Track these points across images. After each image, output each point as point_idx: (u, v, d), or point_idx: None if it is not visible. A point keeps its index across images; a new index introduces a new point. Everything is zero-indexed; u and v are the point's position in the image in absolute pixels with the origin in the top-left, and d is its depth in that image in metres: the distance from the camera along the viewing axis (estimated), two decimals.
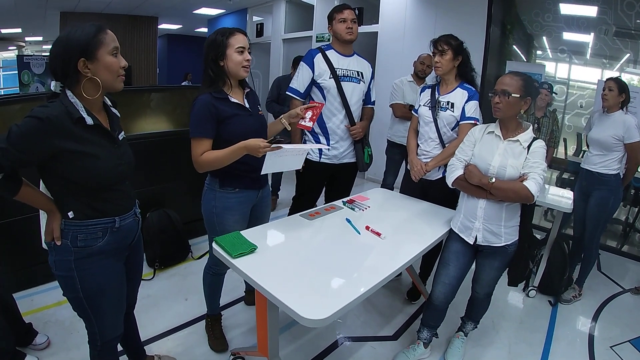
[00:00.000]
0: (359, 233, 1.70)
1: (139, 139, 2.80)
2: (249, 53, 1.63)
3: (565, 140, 4.21)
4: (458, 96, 2.11)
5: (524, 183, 1.53)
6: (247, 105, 1.69)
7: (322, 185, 2.53)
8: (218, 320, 2.06)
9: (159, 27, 9.52)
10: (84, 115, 1.12)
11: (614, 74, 3.82)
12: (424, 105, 2.21)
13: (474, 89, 2.13)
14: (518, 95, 1.56)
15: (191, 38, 11.54)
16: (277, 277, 1.30)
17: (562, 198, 2.66)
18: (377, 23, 5.11)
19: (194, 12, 8.27)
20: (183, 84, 9.05)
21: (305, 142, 2.33)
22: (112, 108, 1.30)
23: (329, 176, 2.48)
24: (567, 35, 4.04)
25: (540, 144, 1.60)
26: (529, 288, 2.66)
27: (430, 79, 3.07)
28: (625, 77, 3.66)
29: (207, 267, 1.92)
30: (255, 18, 7.71)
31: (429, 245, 1.68)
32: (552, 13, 4.00)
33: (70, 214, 1.17)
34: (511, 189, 1.56)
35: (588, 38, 3.94)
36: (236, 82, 1.67)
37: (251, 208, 1.82)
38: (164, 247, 2.74)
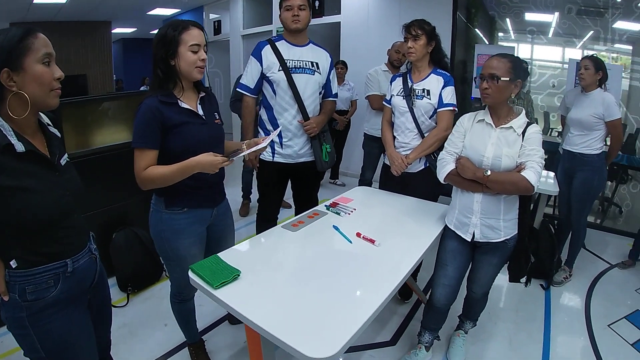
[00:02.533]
0: (351, 242, 1.56)
1: (97, 153, 2.55)
2: (205, 51, 1.41)
3: (536, 120, 4.24)
4: (433, 82, 2.02)
5: (522, 173, 1.42)
6: (200, 112, 1.46)
7: (282, 186, 2.35)
8: (201, 347, 1.89)
9: (113, 31, 9.06)
10: (13, 140, 0.91)
11: (579, 51, 3.86)
12: (397, 95, 2.10)
13: (448, 75, 2.04)
14: (507, 79, 1.45)
15: (147, 41, 10.97)
16: (269, 308, 1.12)
17: (546, 180, 2.62)
18: (339, 13, 4.97)
19: (148, 13, 7.89)
20: (141, 89, 8.64)
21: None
22: (49, 127, 1.09)
23: (287, 177, 2.31)
24: (535, 16, 4.05)
25: (535, 129, 1.49)
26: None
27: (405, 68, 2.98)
28: (592, 53, 3.70)
29: (171, 296, 1.72)
30: (212, 15, 7.40)
31: (428, 247, 1.56)
32: None
33: (13, 263, 0.97)
34: (509, 180, 1.45)
35: (555, 17, 3.96)
36: (189, 84, 1.44)
37: (208, 227, 1.62)
38: (135, 269, 2.52)
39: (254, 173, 3.70)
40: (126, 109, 3.15)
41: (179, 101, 1.39)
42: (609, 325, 2.28)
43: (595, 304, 2.49)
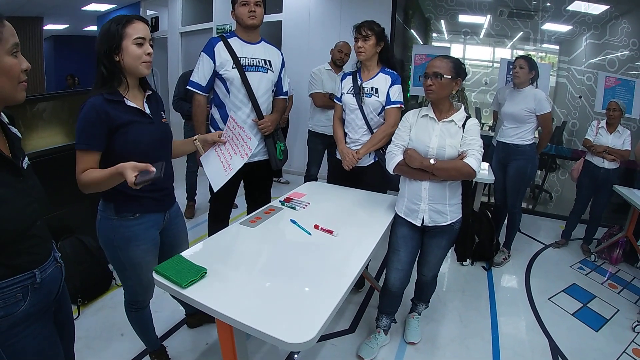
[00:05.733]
0: (310, 234, 1.61)
1: (33, 158, 2.36)
2: (151, 46, 1.35)
3: (469, 116, 4.57)
4: (381, 81, 2.12)
5: (464, 160, 1.57)
6: (147, 111, 1.40)
7: (235, 186, 2.31)
8: (163, 354, 1.84)
9: (44, 28, 8.38)
10: None
11: (509, 51, 4.21)
12: (347, 92, 2.19)
13: (396, 74, 2.15)
14: (449, 77, 1.58)
15: (79, 38, 10.27)
16: (241, 302, 1.14)
17: (482, 170, 2.84)
18: (281, 12, 4.99)
19: (83, 8, 7.41)
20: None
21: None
22: (10, 127, 0.98)
23: (240, 176, 2.25)
24: (469, 18, 4.34)
25: (474, 122, 1.65)
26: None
27: (347, 68, 3.06)
28: (522, 53, 4.05)
29: (126, 305, 1.65)
30: (149, 12, 7.07)
31: (382, 235, 1.65)
32: None
33: None
34: (453, 167, 1.58)
35: (487, 19, 4.28)
36: (135, 82, 1.38)
37: (161, 232, 1.56)
38: (83, 279, 2.38)
39: (198, 174, 3.60)
40: (62, 109, 2.97)
41: (125, 99, 1.33)
42: (549, 299, 2.53)
43: (534, 281, 2.75)
